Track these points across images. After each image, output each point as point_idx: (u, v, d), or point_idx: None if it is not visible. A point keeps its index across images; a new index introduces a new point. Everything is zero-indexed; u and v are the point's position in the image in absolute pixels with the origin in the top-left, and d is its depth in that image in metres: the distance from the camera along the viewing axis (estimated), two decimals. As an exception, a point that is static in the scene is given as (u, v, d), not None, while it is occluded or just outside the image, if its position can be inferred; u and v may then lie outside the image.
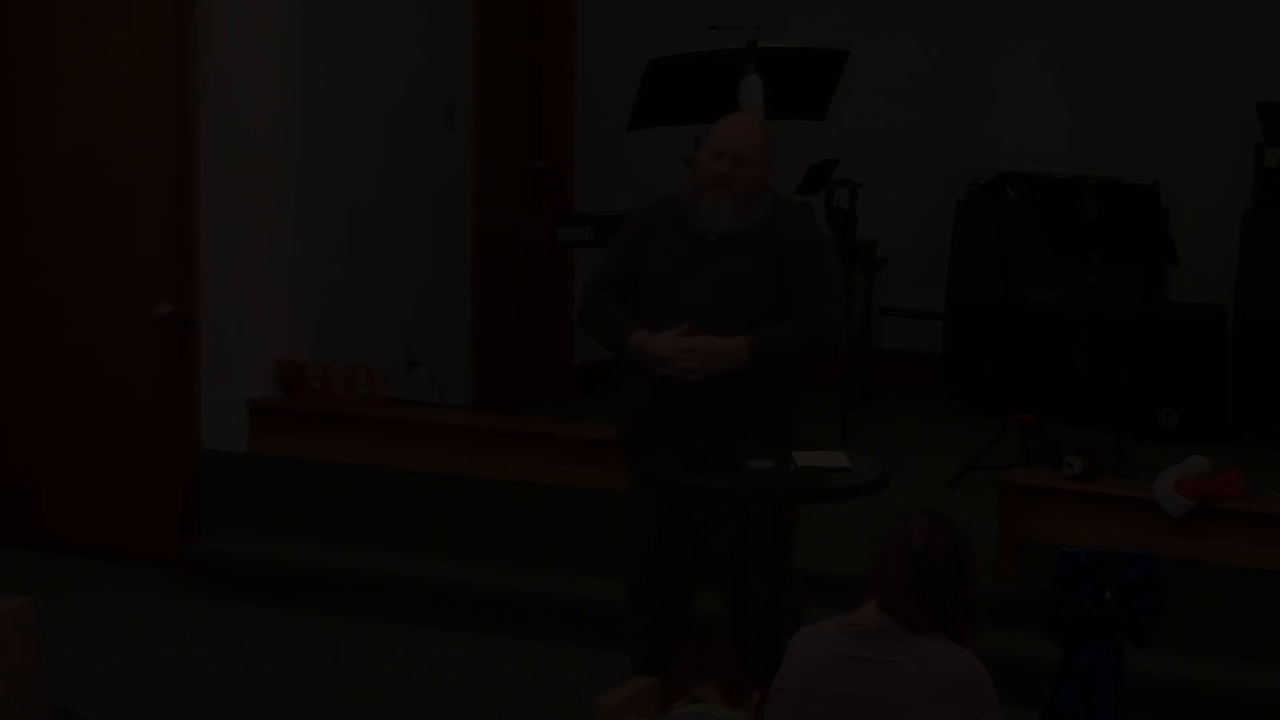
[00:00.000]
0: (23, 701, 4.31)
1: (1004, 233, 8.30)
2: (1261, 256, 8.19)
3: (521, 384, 8.69)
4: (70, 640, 6.28)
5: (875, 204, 8.45)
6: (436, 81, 7.99)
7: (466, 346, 8.37)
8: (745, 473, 4.80)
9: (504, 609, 6.62)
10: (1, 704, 4.23)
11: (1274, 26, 8.59)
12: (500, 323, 8.55)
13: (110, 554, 7.27)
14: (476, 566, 6.77)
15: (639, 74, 7.29)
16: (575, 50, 8.96)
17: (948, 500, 6.96)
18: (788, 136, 7.35)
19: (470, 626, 6.59)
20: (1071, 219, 7.41)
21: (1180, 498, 5.94)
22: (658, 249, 5.16)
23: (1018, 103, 9.13)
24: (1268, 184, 8.26)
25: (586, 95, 8.96)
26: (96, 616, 6.75)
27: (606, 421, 7.21)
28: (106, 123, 7.19)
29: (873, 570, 3.73)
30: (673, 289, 5.11)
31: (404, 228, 7.81)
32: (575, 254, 8.50)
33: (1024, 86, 9.12)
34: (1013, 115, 9.13)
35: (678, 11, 8.80)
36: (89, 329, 7.30)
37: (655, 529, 5.18)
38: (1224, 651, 5.90)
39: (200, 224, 7.13)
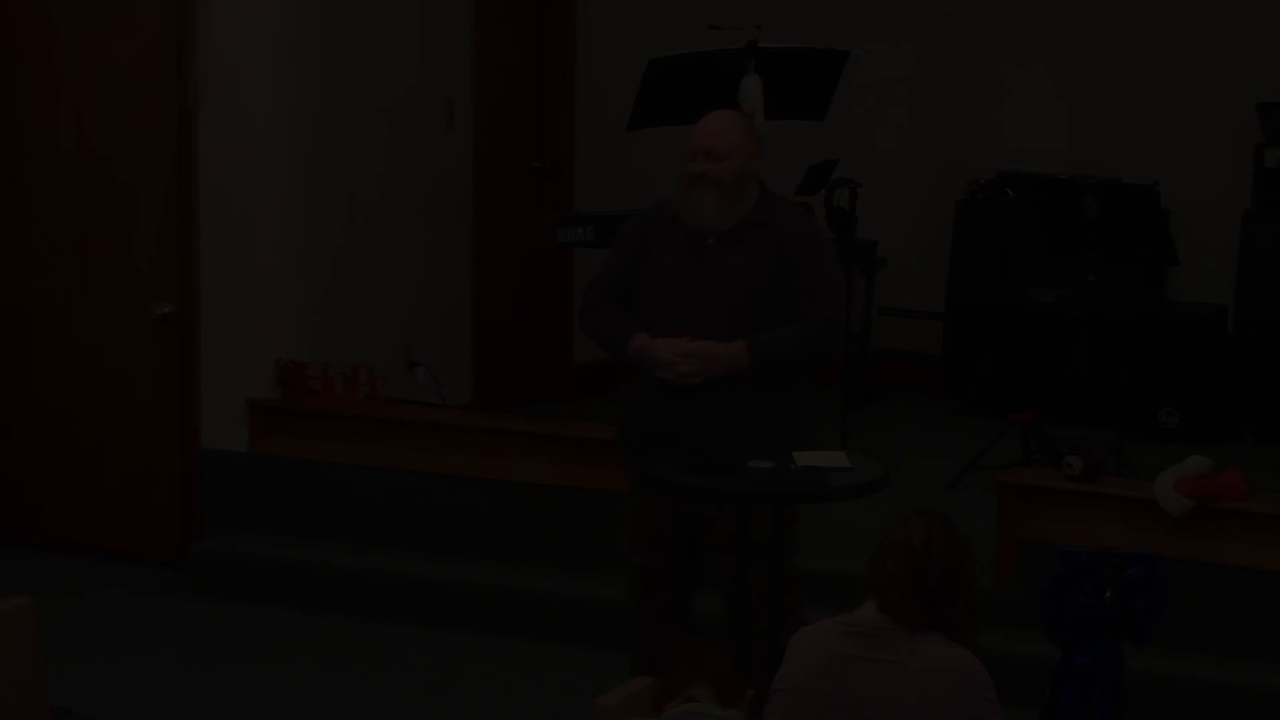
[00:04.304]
0: (23, 701, 4.31)
1: (1004, 233, 8.30)
2: (1261, 256, 8.18)
3: (521, 384, 8.69)
4: (70, 640, 6.27)
5: (875, 204, 8.45)
6: (436, 81, 7.99)
7: (466, 346, 8.37)
8: (745, 473, 4.79)
9: (504, 609, 6.62)
10: (1, 704, 4.23)
11: (1274, 26, 8.59)
12: (500, 323, 8.55)
13: (111, 554, 7.27)
14: (476, 566, 6.77)
15: (639, 74, 7.29)
16: (575, 50, 8.96)
17: (948, 500, 6.96)
18: (788, 136, 7.40)
19: (470, 626, 6.59)
20: (1071, 219, 7.41)
21: (1180, 498, 5.94)
22: (658, 252, 5.18)
23: (1018, 103, 9.13)
24: (1268, 184, 8.25)
25: (586, 95, 8.95)
26: (97, 616, 6.74)
27: (606, 421, 7.23)
28: (106, 123, 7.19)
29: (872, 570, 3.73)
30: (671, 291, 5.12)
31: (404, 228, 7.81)
32: (575, 254, 8.50)
33: (1024, 86, 9.12)
34: (1013, 115, 9.13)
35: (678, 11, 8.80)
36: (89, 329, 7.30)
37: (656, 530, 5.19)
38: (1224, 651, 5.90)
39: (200, 224, 7.13)
